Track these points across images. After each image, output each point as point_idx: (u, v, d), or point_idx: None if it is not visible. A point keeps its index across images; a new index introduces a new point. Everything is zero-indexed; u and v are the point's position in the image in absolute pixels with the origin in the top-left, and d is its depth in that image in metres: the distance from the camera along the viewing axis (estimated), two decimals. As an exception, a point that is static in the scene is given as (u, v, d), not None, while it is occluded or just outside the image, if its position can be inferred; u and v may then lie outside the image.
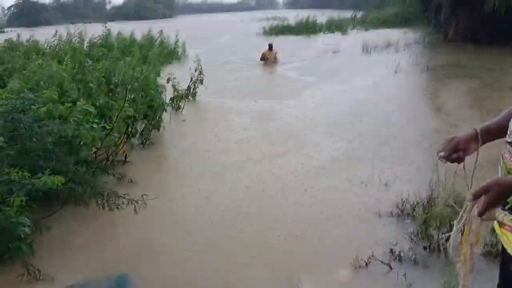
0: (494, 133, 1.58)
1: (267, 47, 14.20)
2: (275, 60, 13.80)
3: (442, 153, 1.55)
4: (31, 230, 3.22)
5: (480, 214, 1.32)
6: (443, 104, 7.49)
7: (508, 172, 1.42)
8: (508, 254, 1.43)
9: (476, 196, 1.32)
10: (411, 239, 3.30)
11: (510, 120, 1.49)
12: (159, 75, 7.02)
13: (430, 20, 18.66)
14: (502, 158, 1.46)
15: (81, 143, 4.34)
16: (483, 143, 1.58)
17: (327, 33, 25.25)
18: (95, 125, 4.66)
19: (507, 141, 1.45)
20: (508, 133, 1.45)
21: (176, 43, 16.78)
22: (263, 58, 13.83)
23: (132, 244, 3.59)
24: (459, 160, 1.55)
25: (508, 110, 1.59)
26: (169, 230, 3.79)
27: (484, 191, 1.30)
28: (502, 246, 1.47)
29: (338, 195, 4.26)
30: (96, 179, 4.32)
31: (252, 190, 4.49)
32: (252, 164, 5.21)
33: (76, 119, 4.52)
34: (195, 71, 8.97)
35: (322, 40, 20.16)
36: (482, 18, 13.87)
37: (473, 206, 1.35)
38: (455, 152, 1.55)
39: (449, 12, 15.32)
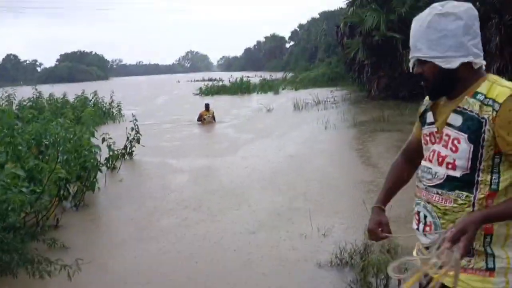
0: (391, 196, 1.83)
1: (203, 107, 14.32)
2: (212, 120, 13.91)
3: (374, 241, 1.82)
4: (-50, 305, 2.94)
5: (463, 256, 1.32)
6: (370, 156, 7.94)
7: (445, 213, 1.49)
8: None
9: (454, 240, 1.32)
10: (351, 287, 3.37)
11: (399, 175, 1.82)
12: (93, 136, 6.88)
13: (354, 79, 20.03)
14: (428, 203, 1.53)
15: (9, 208, 4.11)
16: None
17: (260, 93, 26.25)
18: (24, 189, 4.46)
19: (429, 186, 1.53)
20: (430, 177, 1.54)
21: (111, 103, 16.66)
22: (200, 118, 13.87)
23: (65, 313, 3.37)
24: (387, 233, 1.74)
25: (394, 168, 1.86)
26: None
27: (462, 232, 1.32)
28: None
29: (278, 249, 4.29)
30: (25, 245, 4.06)
31: (186, 255, 4.39)
32: (189, 226, 5.12)
33: (3, 183, 4.30)
34: (132, 130, 8.91)
35: (256, 99, 20.90)
36: (401, 76, 15.13)
37: (447, 250, 1.32)
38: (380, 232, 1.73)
39: (371, 72, 16.58)
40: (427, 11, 1.45)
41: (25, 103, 14.48)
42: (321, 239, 4.45)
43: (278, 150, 9.04)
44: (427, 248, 1.52)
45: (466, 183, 1.45)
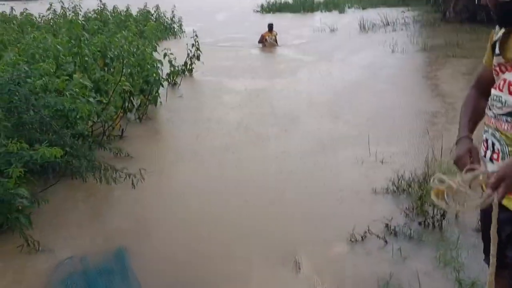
0: (473, 126, 1.73)
1: (265, 26, 13.15)
2: (275, 43, 12.71)
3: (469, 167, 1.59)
4: (29, 202, 3.23)
5: (500, 199, 1.38)
6: (440, 84, 7.48)
7: None
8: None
9: (494, 187, 1.37)
10: (407, 214, 3.33)
11: (475, 105, 1.74)
12: (155, 50, 6.94)
13: (429, 0, 18.49)
14: (497, 131, 1.53)
15: (78, 116, 4.32)
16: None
17: (325, 11, 25.00)
18: (91, 99, 4.64)
19: (499, 114, 1.52)
20: (499, 105, 1.52)
21: (172, 18, 16.57)
22: (262, 40, 12.76)
23: (130, 218, 3.61)
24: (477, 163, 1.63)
25: (468, 103, 1.78)
26: (167, 205, 3.81)
27: (501, 179, 1.37)
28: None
29: (334, 172, 4.28)
30: (93, 153, 4.31)
31: (249, 169, 4.50)
32: (248, 143, 5.20)
33: (72, 92, 4.49)
34: (192, 47, 8.89)
35: (320, 18, 19.93)
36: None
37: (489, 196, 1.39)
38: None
39: (449, -8, 15.19)
40: None
41: (90, 14, 14.72)
42: (378, 165, 4.37)
43: (339, 74, 8.72)
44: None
45: None
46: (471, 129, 1.70)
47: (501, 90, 1.52)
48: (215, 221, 3.49)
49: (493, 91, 1.57)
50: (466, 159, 1.57)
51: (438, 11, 17.29)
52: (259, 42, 12.80)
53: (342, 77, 8.40)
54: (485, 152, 1.59)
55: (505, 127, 1.50)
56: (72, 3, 14.95)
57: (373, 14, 17.97)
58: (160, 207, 3.76)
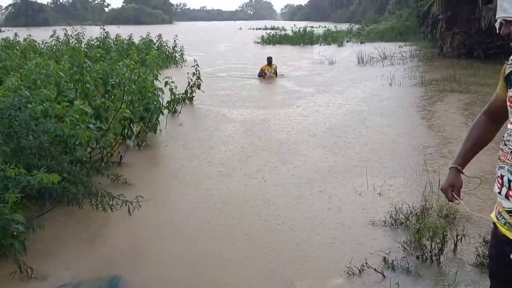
0: (471, 157, 1.78)
1: (264, 59, 13.20)
2: (274, 76, 12.65)
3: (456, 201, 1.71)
4: (25, 228, 3.21)
5: None
6: (436, 119, 7.55)
7: None
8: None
9: None
10: (404, 248, 3.31)
11: (480, 135, 1.78)
12: (156, 78, 7.02)
13: (426, 35, 18.86)
14: None
15: (77, 142, 4.34)
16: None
17: (324, 44, 25.50)
18: (91, 125, 4.67)
19: None
20: None
21: (174, 47, 16.84)
22: (261, 73, 12.65)
23: (125, 245, 3.58)
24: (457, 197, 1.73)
25: (476, 127, 1.81)
26: (163, 233, 3.78)
27: None
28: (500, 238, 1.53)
29: (332, 204, 4.27)
30: (90, 179, 4.30)
31: (247, 198, 4.49)
32: (245, 173, 5.20)
33: (72, 118, 4.52)
34: (193, 75, 9.01)
35: (319, 51, 20.30)
36: (477, 33, 14.05)
37: None
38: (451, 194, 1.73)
39: (445, 27, 15.51)
40: None
41: (93, 42, 14.95)
42: (376, 198, 4.36)
43: (337, 106, 8.81)
44: (509, 212, 1.51)
45: None
46: (468, 159, 1.74)
47: None
48: (212, 249, 3.46)
49: (509, 125, 1.54)
50: (448, 192, 1.69)
51: (435, 46, 17.62)
52: (259, 75, 12.67)
53: (340, 109, 8.48)
54: (500, 189, 1.54)
55: None
56: (75, 30, 15.21)
57: (371, 48, 18.33)
58: (157, 235, 3.73)
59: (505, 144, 1.55)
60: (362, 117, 7.76)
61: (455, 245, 3.29)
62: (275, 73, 12.72)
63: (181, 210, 4.24)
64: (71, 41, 14.62)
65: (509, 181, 1.51)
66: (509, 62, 1.60)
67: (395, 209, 3.85)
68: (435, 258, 3.16)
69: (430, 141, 6.26)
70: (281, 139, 6.48)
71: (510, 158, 1.51)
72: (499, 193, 1.54)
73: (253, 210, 4.17)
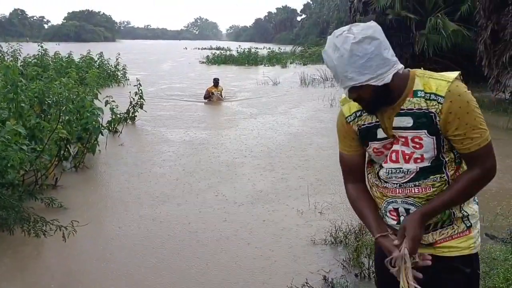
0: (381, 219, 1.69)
1: (211, 78, 13.09)
2: (220, 97, 12.39)
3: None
4: None
5: (412, 251, 1.51)
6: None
7: (427, 200, 1.58)
8: (459, 257, 1.60)
9: (398, 244, 1.52)
10: (344, 266, 3.39)
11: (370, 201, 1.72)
12: (96, 97, 6.84)
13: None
14: (408, 197, 1.60)
15: (9, 164, 4.11)
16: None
17: (268, 65, 26.00)
18: (24, 147, 4.45)
19: (403, 182, 1.59)
20: (401, 175, 1.58)
21: (116, 66, 16.50)
22: (208, 96, 12.31)
23: (60, 273, 3.41)
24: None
25: (361, 199, 1.72)
26: (99, 258, 3.63)
27: (403, 234, 1.52)
28: (442, 261, 1.60)
29: (273, 223, 4.31)
30: (23, 203, 4.09)
31: (186, 219, 4.43)
32: (186, 194, 5.16)
33: (4, 139, 4.29)
34: (135, 95, 8.86)
35: (263, 71, 20.69)
36: (412, 57, 14.90)
37: (400, 250, 1.51)
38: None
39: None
40: (339, 40, 1.45)
41: (30, 59, 14.37)
42: (317, 216, 4.45)
43: (279, 126, 8.97)
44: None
45: (436, 167, 1.56)
46: (380, 224, 1.64)
47: (395, 161, 1.58)
48: (149, 273, 3.36)
49: (386, 165, 1.60)
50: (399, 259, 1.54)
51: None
52: (205, 97, 12.34)
53: (282, 130, 8.63)
54: (397, 220, 1.62)
55: (416, 191, 1.57)
56: (11, 47, 14.57)
57: (313, 70, 18.91)
58: (92, 261, 3.57)
59: (386, 181, 1.61)
60: (303, 137, 7.94)
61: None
62: (221, 95, 12.45)
63: (118, 235, 4.09)
64: (6, 58, 13.96)
65: (406, 210, 1.60)
66: (349, 119, 1.66)
67: (335, 228, 3.94)
68: (373, 275, 3.25)
69: (368, 160, 6.49)
70: (222, 160, 6.47)
71: (400, 191, 1.59)
72: (398, 223, 1.62)
73: (192, 232, 4.12)
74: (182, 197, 5.00)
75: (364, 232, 3.78)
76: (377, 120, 1.60)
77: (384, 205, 1.66)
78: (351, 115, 1.66)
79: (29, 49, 15.39)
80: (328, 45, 1.50)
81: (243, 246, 3.85)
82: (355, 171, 1.74)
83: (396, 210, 1.63)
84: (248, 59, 27.39)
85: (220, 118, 10.17)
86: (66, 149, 5.87)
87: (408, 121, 1.52)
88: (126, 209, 4.68)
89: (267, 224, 4.31)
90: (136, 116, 8.96)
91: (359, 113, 1.63)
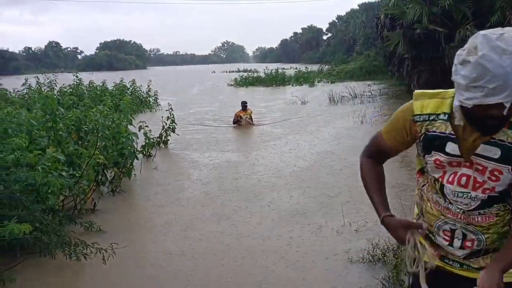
0: (386, 199, 1.71)
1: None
2: (250, 122, 11.94)
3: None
4: (-6, 281, 3.08)
5: None
6: (408, 155, 7.72)
7: (488, 229, 1.52)
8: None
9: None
10: (383, 284, 3.32)
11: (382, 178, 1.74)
12: (131, 123, 7.02)
13: (394, 73, 19.57)
14: (469, 224, 1.52)
15: (49, 190, 4.26)
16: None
17: (295, 85, 26.08)
18: (63, 173, 4.61)
19: (471, 210, 1.50)
20: (468, 201, 1.50)
21: (148, 92, 16.93)
22: (237, 120, 11.90)
23: (100, 295, 3.47)
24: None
25: (372, 174, 1.73)
26: (138, 281, 3.68)
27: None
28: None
29: (310, 243, 4.27)
30: (63, 228, 4.20)
31: (222, 242, 4.44)
32: (221, 217, 5.18)
33: (44, 166, 4.46)
34: (167, 119, 9.05)
35: (291, 91, 20.76)
36: (442, 71, 14.68)
37: None
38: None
39: (411, 66, 16.15)
40: (506, 42, 1.22)
41: (66, 89, 14.90)
42: (353, 234, 4.39)
43: (310, 146, 8.92)
44: (465, 258, 1.57)
45: (502, 196, 1.48)
46: (387, 205, 1.64)
47: (464, 186, 1.48)
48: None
49: (451, 186, 1.50)
50: (405, 237, 1.54)
51: (403, 83, 18.28)
52: (234, 122, 11.98)
53: (313, 149, 8.59)
54: (451, 242, 1.55)
55: (479, 219, 1.50)
56: (47, 78, 15.16)
57: (341, 88, 18.85)
58: (132, 284, 3.63)
59: (451, 203, 1.52)
60: (334, 156, 7.88)
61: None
62: (251, 118, 12.07)
63: (156, 256, 4.16)
64: (43, 89, 14.54)
65: (464, 234, 1.53)
66: (425, 119, 1.50)
67: (372, 245, 3.88)
68: (414, 293, 3.17)
69: (403, 175, 6.39)
70: (254, 182, 6.48)
71: (463, 217, 1.51)
72: (450, 245, 1.56)
73: (228, 254, 4.13)
74: (217, 218, 5.03)
75: (402, 249, 3.70)
76: (452, 132, 1.45)
77: (440, 223, 1.56)
78: (422, 115, 1.50)
79: (64, 79, 15.97)
80: (487, 48, 1.23)
81: (278, 266, 3.82)
82: (382, 156, 1.70)
83: (453, 231, 1.54)
84: (276, 80, 27.57)
85: (249, 140, 10.23)
86: (103, 174, 6.02)
87: (495, 153, 1.39)
88: (163, 231, 4.74)
89: (302, 242, 4.27)
90: (168, 140, 9.13)
91: (433, 117, 1.47)
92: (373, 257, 3.77)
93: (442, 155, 1.48)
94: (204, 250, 4.20)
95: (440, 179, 1.53)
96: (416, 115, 1.51)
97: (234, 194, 5.87)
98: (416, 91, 1.56)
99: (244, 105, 12.15)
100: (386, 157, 1.71)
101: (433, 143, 1.49)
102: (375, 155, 1.71)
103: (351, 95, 16.93)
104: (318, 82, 27.16)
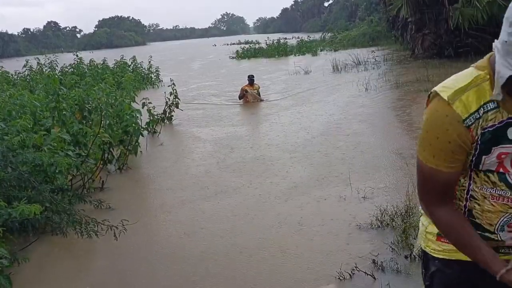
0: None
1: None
2: (258, 97, 11.09)
3: None
4: (9, 262, 3.13)
5: None
6: (414, 119, 7.69)
7: None
8: None
9: None
10: (392, 249, 3.34)
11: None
12: (134, 100, 7.00)
13: (397, 38, 19.29)
14: None
15: (57, 170, 4.28)
16: None
17: (298, 55, 25.77)
18: (70, 152, 4.62)
19: None
20: None
21: (149, 69, 16.81)
22: (243, 95, 11.05)
23: (113, 271, 3.52)
24: None
25: (462, 227, 1.36)
26: (150, 256, 3.73)
27: None
28: None
29: (318, 211, 4.29)
30: (73, 207, 4.25)
31: (232, 214, 4.47)
32: (229, 189, 5.19)
33: (50, 147, 4.47)
34: (170, 95, 9.00)
35: (294, 61, 20.52)
36: (446, 33, 14.43)
37: None
38: None
39: (415, 30, 15.88)
40: None
41: (67, 69, 14.85)
42: (360, 201, 4.40)
43: (317, 115, 8.87)
44: None
45: None
46: (497, 256, 1.33)
47: None
48: (202, 270, 3.43)
49: None
50: None
51: (407, 48, 18.00)
52: (240, 97, 11.15)
53: (319, 119, 8.54)
54: None
55: None
56: (48, 59, 15.08)
57: (345, 55, 18.60)
58: (143, 259, 3.68)
59: None
60: (340, 125, 7.83)
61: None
62: (258, 94, 11.22)
63: (166, 231, 4.20)
64: (44, 70, 14.48)
65: None
66: (476, 117, 1.24)
67: (380, 211, 3.89)
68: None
69: (410, 141, 6.36)
70: (260, 154, 6.48)
71: None
72: None
73: (238, 226, 4.16)
74: (225, 192, 5.05)
75: (411, 213, 3.71)
76: (509, 116, 1.23)
77: (506, 219, 1.34)
78: (471, 115, 1.23)
79: (65, 59, 15.89)
80: None
81: (289, 235, 3.85)
82: (450, 191, 1.35)
83: None
84: (278, 50, 27.22)
85: (253, 114, 10.14)
86: (110, 152, 6.04)
87: None
88: (170, 207, 4.78)
89: (310, 211, 4.30)
90: (172, 116, 9.11)
91: (484, 109, 1.23)
92: (381, 222, 3.79)
93: (506, 146, 1.25)
94: (215, 225, 4.23)
95: (499, 170, 1.29)
96: (466, 119, 1.23)
97: (241, 168, 5.88)
98: (439, 90, 1.29)
99: (251, 79, 11.32)
100: (452, 189, 1.36)
101: (492, 139, 1.25)
102: (444, 196, 1.35)
103: (354, 62, 16.71)
104: (321, 51, 26.79)
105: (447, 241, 1.42)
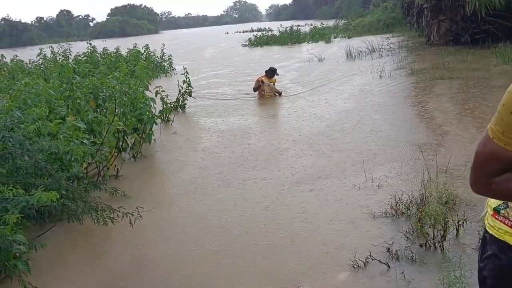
0: None
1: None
2: (275, 89, 10.10)
3: None
4: (27, 248, 3.19)
5: None
6: (429, 107, 7.59)
7: None
8: None
9: None
10: (407, 237, 3.32)
11: None
12: (147, 89, 7.02)
13: (412, 24, 18.97)
14: None
15: (72, 158, 4.33)
16: None
17: (311, 42, 25.56)
18: (85, 141, 4.66)
19: None
20: None
21: (162, 57, 16.82)
22: (258, 87, 10.00)
23: (129, 258, 3.57)
24: None
25: None
26: (165, 243, 3.77)
27: None
28: None
29: (332, 199, 4.28)
30: (89, 194, 4.30)
31: (246, 202, 4.48)
32: (244, 178, 5.20)
33: (66, 135, 4.51)
34: (183, 83, 9.01)
35: (307, 49, 20.35)
36: (463, 19, 14.16)
37: None
38: None
39: (431, 16, 15.60)
40: None
41: (80, 57, 14.93)
42: (375, 190, 4.38)
43: (331, 104, 8.79)
44: None
45: None
46: None
47: None
48: (216, 257, 3.45)
49: None
50: None
51: (422, 35, 17.72)
52: (255, 89, 10.13)
53: (333, 107, 8.45)
54: None
55: None
56: (61, 47, 15.18)
57: (359, 42, 18.40)
58: (159, 246, 3.71)
59: None
60: (355, 113, 7.76)
61: (457, 230, 3.31)
62: (275, 89, 10.17)
63: (181, 219, 4.24)
64: (58, 58, 14.59)
65: None
66: None
67: (395, 200, 3.86)
68: (438, 245, 3.17)
69: (425, 129, 6.29)
70: (275, 143, 6.46)
71: None
72: None
73: (253, 214, 4.17)
74: (240, 180, 5.06)
75: (426, 202, 3.68)
76: None
77: None
78: None
79: (78, 47, 15.98)
80: None
81: (302, 223, 3.85)
82: (506, 170, 1.28)
83: None
84: (291, 38, 27.00)
85: (267, 102, 9.95)
86: (124, 141, 6.08)
87: None
88: (185, 193, 4.81)
89: (324, 199, 4.29)
90: (185, 104, 9.12)
91: None
92: (396, 211, 3.76)
93: None
94: (229, 213, 4.25)
95: None
96: None
97: (255, 157, 5.88)
98: None
99: (272, 71, 10.23)
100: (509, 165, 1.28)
101: None
102: (497, 173, 1.28)
103: (369, 49, 16.52)
104: (335, 38, 26.51)
105: (501, 219, 1.41)
